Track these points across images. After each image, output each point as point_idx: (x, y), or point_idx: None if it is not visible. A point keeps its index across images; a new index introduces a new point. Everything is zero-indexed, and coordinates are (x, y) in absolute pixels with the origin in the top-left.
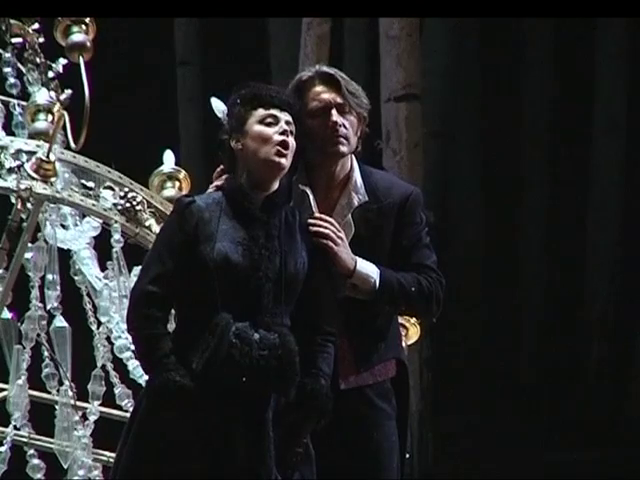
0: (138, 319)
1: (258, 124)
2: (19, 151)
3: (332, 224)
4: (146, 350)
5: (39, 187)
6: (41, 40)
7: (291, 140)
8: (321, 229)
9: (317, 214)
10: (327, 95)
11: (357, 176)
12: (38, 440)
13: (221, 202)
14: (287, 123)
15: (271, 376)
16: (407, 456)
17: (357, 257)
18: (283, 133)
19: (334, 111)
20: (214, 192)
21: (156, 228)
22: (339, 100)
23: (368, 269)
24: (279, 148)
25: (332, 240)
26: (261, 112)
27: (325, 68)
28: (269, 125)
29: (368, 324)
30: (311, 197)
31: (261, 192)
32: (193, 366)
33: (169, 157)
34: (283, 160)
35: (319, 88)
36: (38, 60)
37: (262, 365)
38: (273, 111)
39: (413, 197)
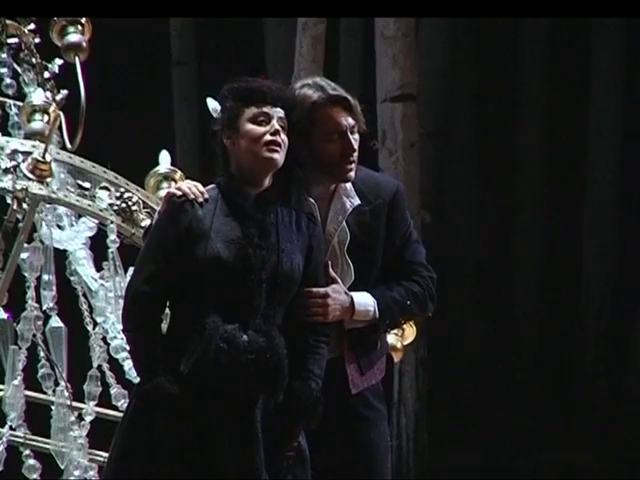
0: (133, 320)
1: (250, 123)
2: (15, 151)
3: (320, 295)
4: (138, 352)
5: (35, 187)
6: (37, 40)
7: (283, 137)
8: (311, 311)
9: (309, 289)
10: (343, 120)
11: None
12: (34, 440)
13: (216, 199)
14: (279, 119)
15: (259, 380)
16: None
17: (352, 293)
18: (275, 133)
19: (351, 136)
20: (210, 189)
21: None
22: (352, 122)
23: (365, 302)
24: (271, 146)
25: (324, 315)
26: (253, 110)
27: (335, 89)
28: (261, 124)
29: (367, 326)
30: (316, 208)
31: (254, 188)
32: (181, 368)
33: (165, 157)
34: (275, 155)
35: (333, 111)
36: (34, 60)
37: (249, 369)
38: (265, 109)
39: (399, 193)
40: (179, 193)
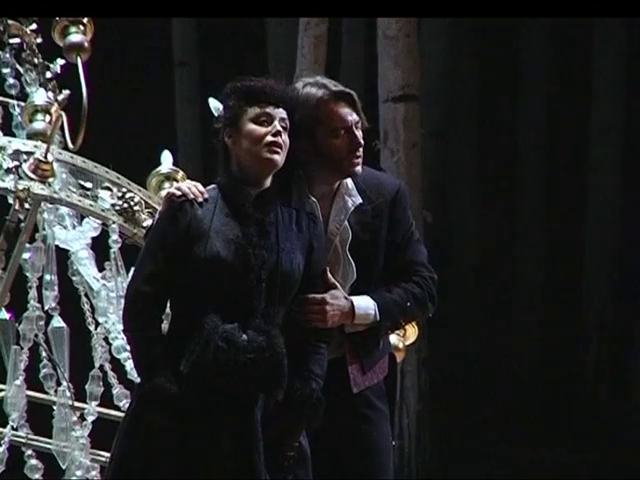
0: (132, 320)
1: (251, 123)
2: (17, 152)
3: (317, 302)
4: (138, 352)
5: (37, 187)
6: (39, 40)
7: (284, 139)
8: (309, 317)
9: (307, 296)
10: (349, 115)
11: (348, 179)
12: (36, 440)
13: (216, 198)
14: (281, 120)
15: (258, 379)
16: (393, 443)
17: (352, 297)
18: (276, 134)
19: (357, 132)
20: (210, 189)
21: None
22: (356, 118)
23: (365, 306)
24: (272, 147)
25: (323, 321)
26: (256, 110)
27: (337, 86)
28: (262, 124)
29: (368, 329)
30: (318, 209)
31: (254, 188)
32: (181, 368)
33: (167, 157)
34: (276, 157)
35: (338, 107)
36: (36, 60)
37: (249, 368)
38: (268, 109)
39: (401, 192)
40: (179, 193)
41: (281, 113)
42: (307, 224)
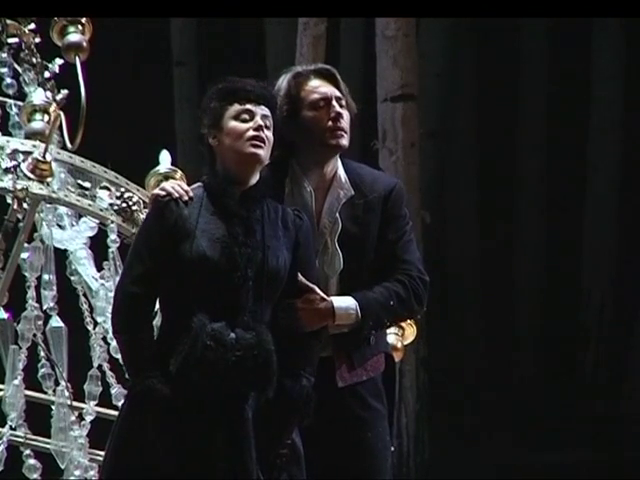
0: (121, 323)
1: (233, 120)
2: (15, 151)
3: (290, 308)
4: (128, 355)
5: (35, 187)
6: (37, 40)
7: (267, 134)
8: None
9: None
10: (326, 88)
11: (341, 172)
12: (34, 440)
13: (201, 197)
14: (263, 117)
15: (248, 377)
16: (392, 449)
17: (332, 298)
18: (258, 129)
19: (335, 103)
20: (196, 187)
21: None
22: (337, 94)
23: (345, 306)
24: (254, 142)
25: (299, 326)
26: (236, 107)
27: (320, 64)
28: (244, 121)
29: (353, 329)
30: (313, 197)
31: (239, 186)
32: (170, 367)
33: (165, 157)
34: (259, 151)
35: (317, 82)
36: (34, 60)
37: (237, 366)
38: (248, 106)
39: (397, 190)
40: (163, 193)
41: (263, 110)
42: (293, 220)
